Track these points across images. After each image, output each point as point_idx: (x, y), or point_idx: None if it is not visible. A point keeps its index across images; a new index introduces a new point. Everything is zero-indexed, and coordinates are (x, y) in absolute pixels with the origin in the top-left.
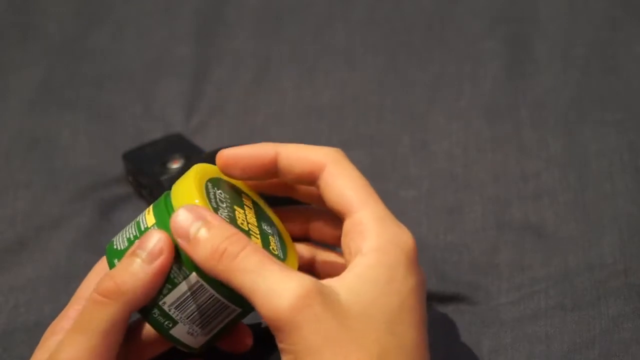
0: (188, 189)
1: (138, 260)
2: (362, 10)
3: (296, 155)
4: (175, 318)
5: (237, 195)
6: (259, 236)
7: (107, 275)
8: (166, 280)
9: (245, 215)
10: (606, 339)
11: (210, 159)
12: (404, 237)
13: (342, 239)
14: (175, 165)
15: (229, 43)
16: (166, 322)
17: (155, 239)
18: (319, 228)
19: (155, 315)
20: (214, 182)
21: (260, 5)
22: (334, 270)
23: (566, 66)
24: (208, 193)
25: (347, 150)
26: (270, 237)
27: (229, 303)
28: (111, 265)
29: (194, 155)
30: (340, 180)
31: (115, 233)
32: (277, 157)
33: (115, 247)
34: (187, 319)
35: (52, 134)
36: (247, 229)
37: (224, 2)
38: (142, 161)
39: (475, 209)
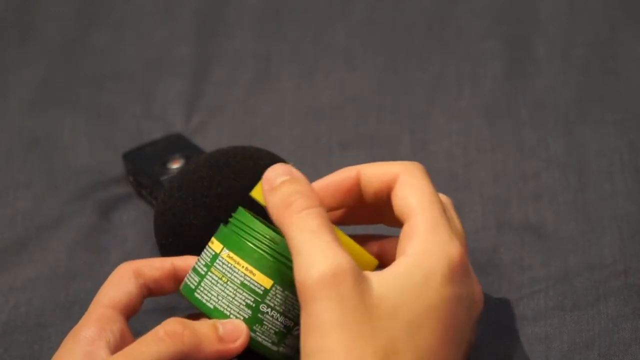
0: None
1: (213, 335)
2: (362, 10)
3: (374, 171)
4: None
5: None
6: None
7: (182, 324)
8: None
9: None
10: (606, 339)
11: (211, 159)
12: (451, 247)
13: (398, 243)
14: (175, 165)
15: (229, 43)
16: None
17: (237, 326)
18: (391, 254)
19: (295, 357)
20: None
21: (260, 5)
22: None
23: (566, 66)
24: None
25: (347, 150)
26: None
27: None
28: (195, 302)
29: (194, 155)
30: (408, 188)
31: (116, 233)
32: (358, 177)
33: (189, 284)
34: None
35: (52, 134)
36: None
37: (224, 2)
38: (142, 161)
39: (475, 209)
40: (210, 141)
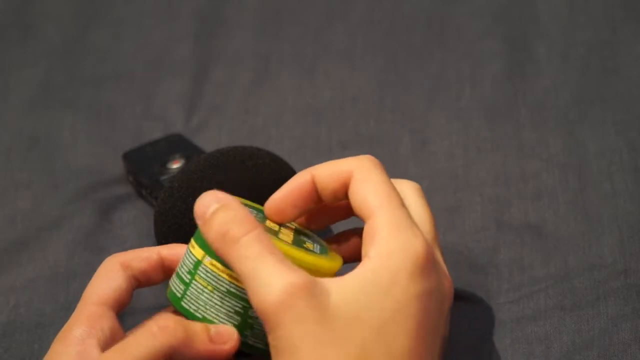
0: None
1: (204, 334)
2: (362, 10)
3: (328, 172)
4: None
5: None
6: (291, 235)
7: (174, 319)
8: None
9: (281, 227)
10: (605, 339)
11: (211, 159)
12: (414, 244)
13: (362, 244)
14: (175, 165)
15: (229, 43)
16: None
17: (228, 330)
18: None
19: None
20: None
21: (260, 5)
22: None
23: (566, 66)
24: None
25: (347, 150)
26: (307, 242)
27: None
28: (183, 311)
29: (194, 155)
30: (364, 185)
31: (116, 233)
32: (314, 180)
33: (174, 292)
34: None
35: (52, 134)
36: (277, 229)
37: (224, 2)
38: (142, 161)
39: (475, 209)
40: (210, 141)
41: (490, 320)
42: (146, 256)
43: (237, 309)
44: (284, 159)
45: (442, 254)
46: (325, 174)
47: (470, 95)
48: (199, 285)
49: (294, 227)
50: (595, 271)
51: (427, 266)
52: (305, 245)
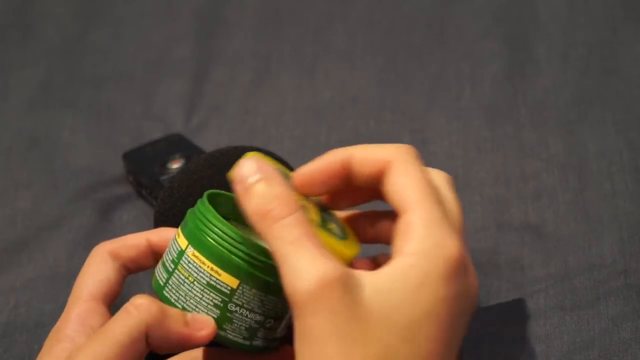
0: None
1: (180, 318)
2: (362, 10)
3: (365, 155)
4: (283, 335)
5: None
6: (318, 214)
7: (149, 298)
8: (275, 319)
9: (305, 201)
10: (606, 339)
11: (211, 159)
12: (448, 246)
13: (393, 236)
14: (175, 165)
15: (229, 43)
16: (277, 345)
17: (205, 319)
18: (386, 229)
19: (270, 346)
20: None
21: (260, 5)
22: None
23: (566, 66)
24: None
25: None
26: (330, 223)
27: None
28: (164, 300)
29: (194, 155)
30: (402, 178)
31: (116, 233)
32: (349, 161)
33: (158, 280)
34: (291, 330)
35: (52, 134)
36: (302, 203)
37: (224, 2)
38: (142, 161)
39: (475, 209)
40: (210, 141)
41: (490, 320)
42: (135, 243)
43: (216, 301)
44: (284, 159)
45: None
46: (362, 157)
47: (470, 95)
48: (181, 276)
49: (316, 202)
50: (595, 271)
51: (458, 269)
52: (328, 227)
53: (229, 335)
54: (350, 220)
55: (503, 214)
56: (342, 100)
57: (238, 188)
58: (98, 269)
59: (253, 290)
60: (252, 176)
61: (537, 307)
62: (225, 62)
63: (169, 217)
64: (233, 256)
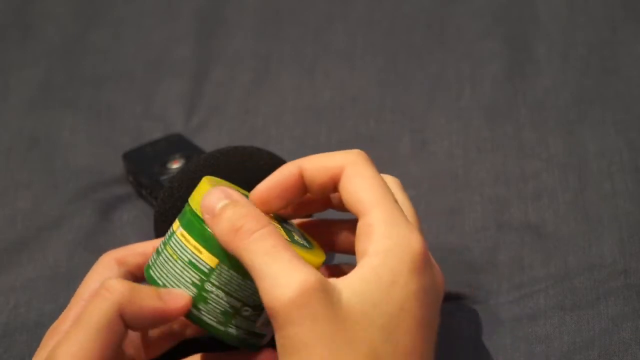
0: (204, 191)
1: (153, 293)
2: (362, 10)
3: (317, 165)
4: (265, 333)
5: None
6: (280, 227)
7: (119, 280)
8: (253, 308)
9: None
10: (606, 339)
11: (211, 159)
12: (411, 240)
13: (355, 240)
14: (175, 165)
15: (229, 43)
16: (258, 341)
17: (179, 293)
18: (343, 238)
19: (248, 340)
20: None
21: (260, 5)
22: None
23: (566, 66)
24: None
25: None
26: (293, 233)
27: None
28: (149, 278)
29: (194, 155)
30: (356, 181)
31: (116, 233)
32: (301, 173)
33: (149, 262)
34: (272, 327)
35: (52, 134)
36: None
37: (224, 2)
38: (142, 161)
39: (475, 209)
40: (210, 141)
41: (490, 320)
42: (141, 251)
43: (194, 279)
44: (284, 159)
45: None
46: (314, 167)
47: (470, 95)
48: (167, 254)
49: (274, 216)
50: (595, 271)
51: (424, 261)
52: (294, 238)
53: (203, 316)
54: (305, 229)
55: (503, 214)
56: (342, 100)
57: (207, 217)
58: (104, 273)
59: (231, 272)
60: (220, 202)
61: (537, 307)
62: (225, 62)
63: (169, 217)
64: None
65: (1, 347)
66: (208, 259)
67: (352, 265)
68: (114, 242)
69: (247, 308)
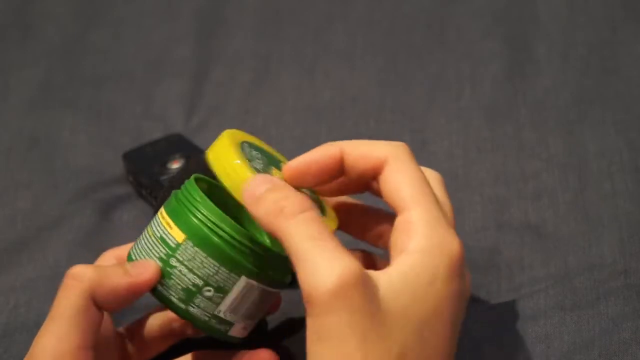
0: (226, 151)
1: (119, 270)
2: (362, 10)
3: (360, 152)
4: (232, 320)
5: (271, 157)
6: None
7: (84, 265)
8: (216, 290)
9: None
10: (606, 339)
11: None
12: (450, 242)
13: (392, 234)
14: (175, 165)
15: (229, 43)
16: (224, 327)
17: (145, 263)
18: (375, 229)
19: (213, 324)
20: (249, 144)
21: (260, 5)
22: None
23: (566, 66)
24: (245, 154)
25: None
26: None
27: (276, 289)
28: (128, 258)
29: (194, 155)
30: (399, 176)
31: (115, 233)
32: (342, 156)
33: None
34: (241, 317)
35: (52, 134)
36: None
37: (224, 2)
38: (142, 161)
39: (475, 209)
40: (210, 141)
41: (490, 320)
42: None
43: (161, 254)
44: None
45: None
46: (357, 153)
47: (470, 95)
48: (146, 233)
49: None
50: (595, 271)
51: (460, 266)
52: None
53: (164, 292)
54: (341, 207)
55: (503, 214)
56: (342, 100)
57: (248, 200)
58: None
59: (195, 249)
60: (262, 187)
61: (537, 307)
62: (225, 62)
63: None
64: (186, 210)
65: (1, 347)
66: (176, 234)
67: (384, 259)
68: (114, 242)
69: (209, 288)
